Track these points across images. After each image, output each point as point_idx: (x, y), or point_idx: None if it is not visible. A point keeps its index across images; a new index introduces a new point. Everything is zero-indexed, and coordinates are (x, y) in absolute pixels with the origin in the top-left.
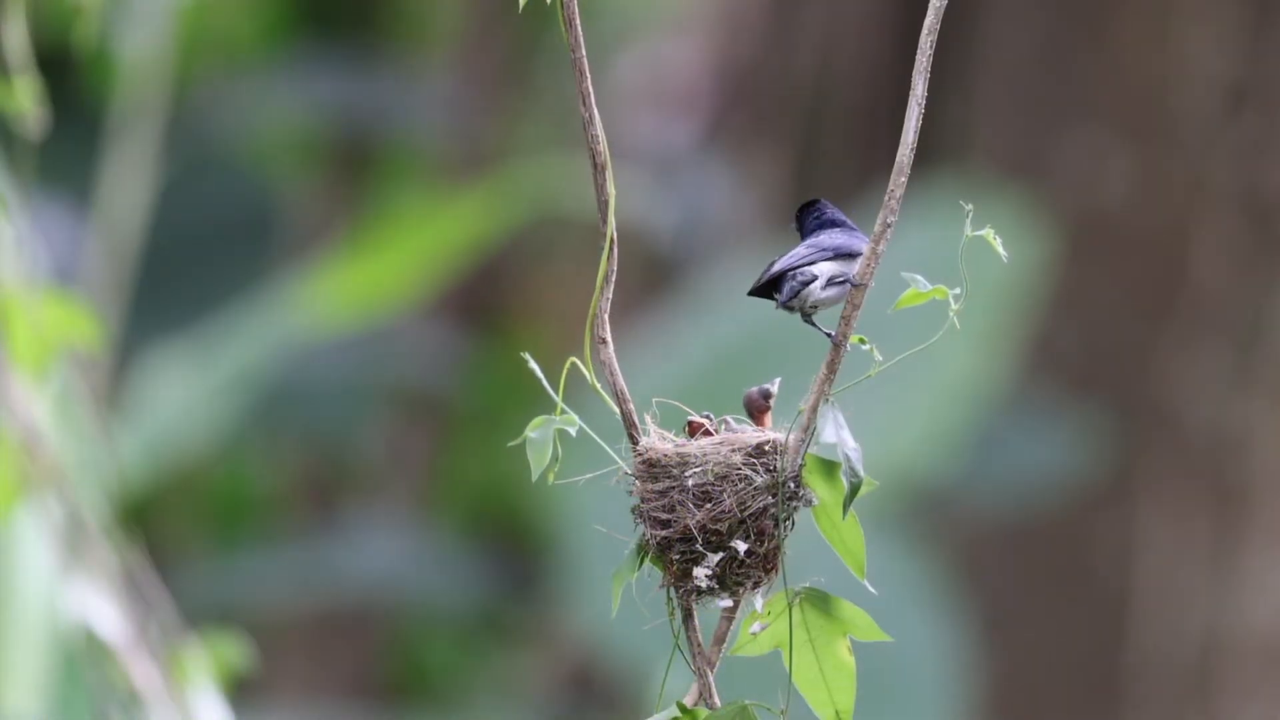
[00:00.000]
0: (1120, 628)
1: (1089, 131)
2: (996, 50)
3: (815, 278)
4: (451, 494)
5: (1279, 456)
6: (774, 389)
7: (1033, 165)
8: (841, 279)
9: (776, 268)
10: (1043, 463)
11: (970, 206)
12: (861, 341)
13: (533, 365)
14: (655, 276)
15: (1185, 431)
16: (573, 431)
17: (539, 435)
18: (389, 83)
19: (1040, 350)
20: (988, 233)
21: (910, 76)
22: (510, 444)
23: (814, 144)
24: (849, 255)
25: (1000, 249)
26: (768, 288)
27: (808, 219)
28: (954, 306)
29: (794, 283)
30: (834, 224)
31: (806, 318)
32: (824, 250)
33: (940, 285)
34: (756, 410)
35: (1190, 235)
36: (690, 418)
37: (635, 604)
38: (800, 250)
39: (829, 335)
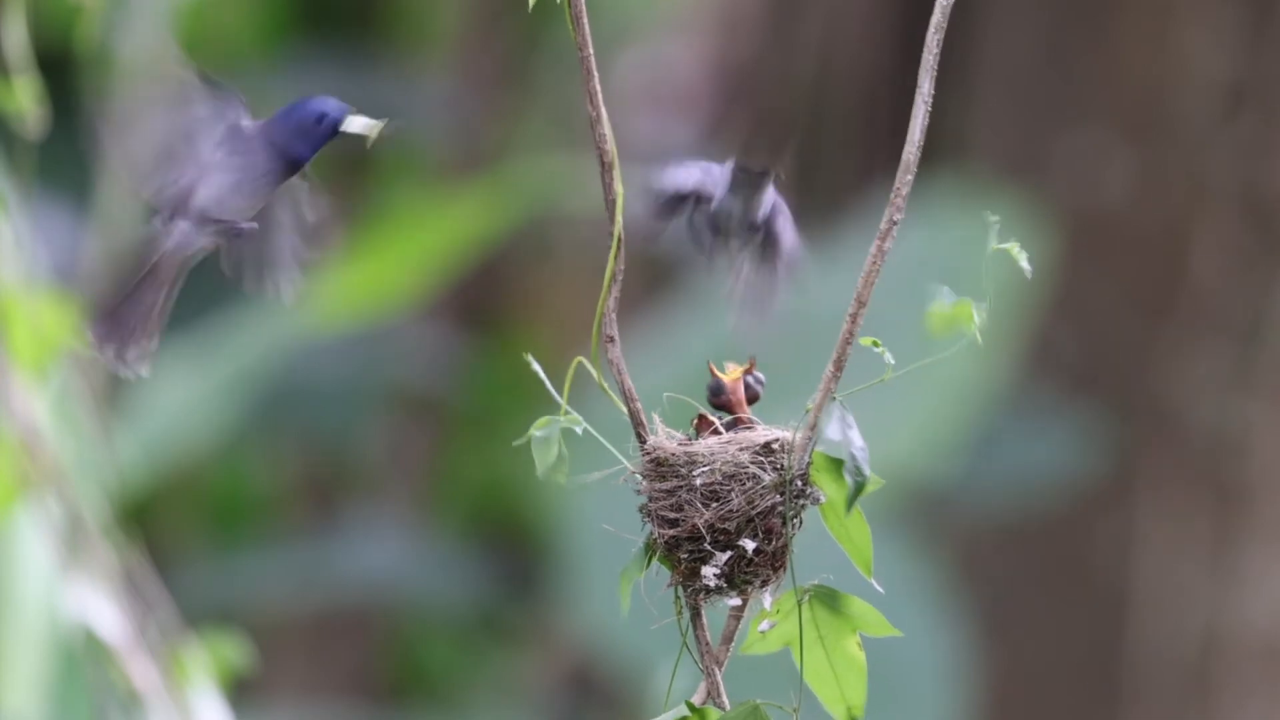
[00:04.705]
0: (1120, 627)
1: (1089, 131)
2: (996, 50)
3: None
4: (451, 494)
5: (1279, 456)
6: (725, 379)
7: (1033, 165)
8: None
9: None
10: (1043, 463)
11: (996, 219)
12: (875, 344)
13: (536, 367)
14: (656, 276)
15: (1185, 431)
16: (579, 430)
17: (544, 435)
18: (389, 83)
19: (1040, 350)
20: (1011, 246)
21: (911, 76)
22: (515, 443)
23: (814, 144)
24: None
25: (1025, 264)
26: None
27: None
28: (977, 323)
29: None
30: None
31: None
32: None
33: (965, 303)
34: (724, 405)
35: (1190, 235)
36: (701, 412)
37: (640, 603)
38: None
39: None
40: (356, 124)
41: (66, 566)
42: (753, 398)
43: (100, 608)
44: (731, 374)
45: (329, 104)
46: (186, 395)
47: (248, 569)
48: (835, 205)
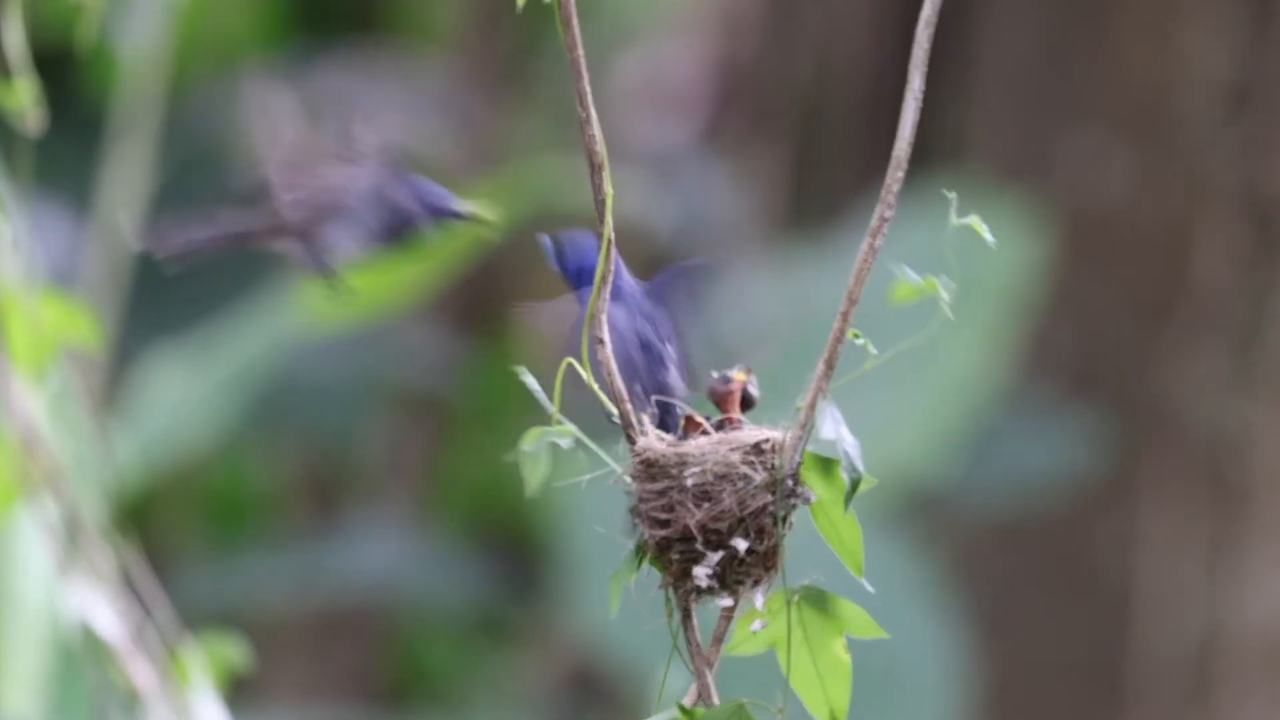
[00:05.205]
0: (1120, 627)
1: (1089, 131)
2: (996, 50)
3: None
4: (451, 494)
5: (1279, 456)
6: (734, 374)
7: (1033, 165)
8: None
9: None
10: (1043, 463)
11: (954, 195)
12: (856, 336)
13: (528, 379)
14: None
15: (1185, 431)
16: (564, 444)
17: (533, 448)
18: (389, 83)
19: (1039, 350)
20: (973, 220)
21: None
22: (506, 456)
23: (814, 144)
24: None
25: (986, 234)
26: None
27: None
28: (945, 298)
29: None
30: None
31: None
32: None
33: (930, 279)
34: (719, 398)
35: (1190, 235)
36: (687, 413)
37: (635, 604)
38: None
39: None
40: (464, 206)
41: (66, 566)
42: (747, 403)
43: (99, 608)
44: (735, 377)
45: (438, 189)
46: (186, 395)
47: (248, 569)
48: (835, 205)
